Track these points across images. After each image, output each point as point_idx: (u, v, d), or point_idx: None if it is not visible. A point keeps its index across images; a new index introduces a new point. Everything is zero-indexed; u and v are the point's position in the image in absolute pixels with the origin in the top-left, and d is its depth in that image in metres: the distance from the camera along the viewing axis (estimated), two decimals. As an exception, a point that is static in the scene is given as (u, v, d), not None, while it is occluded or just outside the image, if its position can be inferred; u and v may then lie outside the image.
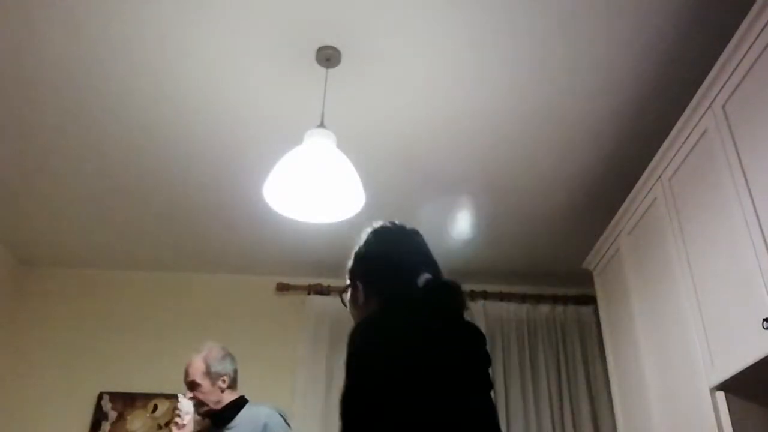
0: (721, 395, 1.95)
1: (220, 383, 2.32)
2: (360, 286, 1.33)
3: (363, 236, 1.41)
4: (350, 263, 1.40)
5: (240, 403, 2.34)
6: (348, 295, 1.37)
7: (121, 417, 3.35)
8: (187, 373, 2.34)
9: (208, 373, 2.32)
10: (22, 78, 2.36)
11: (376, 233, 1.40)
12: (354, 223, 3.11)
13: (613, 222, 2.80)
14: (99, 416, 3.35)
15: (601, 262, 3.02)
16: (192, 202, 3.13)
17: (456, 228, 3.28)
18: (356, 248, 1.40)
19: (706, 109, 2.00)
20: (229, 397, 2.33)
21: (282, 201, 2.14)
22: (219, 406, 2.30)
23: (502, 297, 3.69)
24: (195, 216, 3.25)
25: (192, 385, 2.31)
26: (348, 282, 1.38)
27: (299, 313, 3.67)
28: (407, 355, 1.06)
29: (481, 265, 3.65)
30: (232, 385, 2.37)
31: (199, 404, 2.29)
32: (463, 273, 3.68)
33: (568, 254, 3.48)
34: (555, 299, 3.70)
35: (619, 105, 2.46)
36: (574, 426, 3.34)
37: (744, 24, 1.76)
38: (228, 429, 2.26)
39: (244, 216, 3.22)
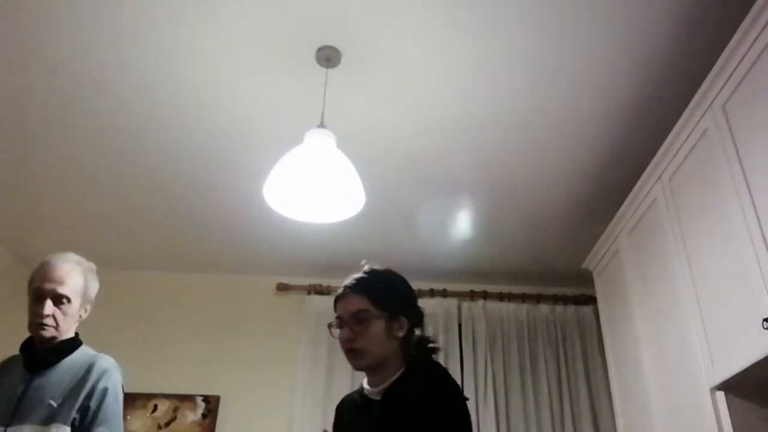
0: (721, 395, 1.95)
1: (82, 312, 1.87)
2: (406, 321, 1.42)
3: (382, 270, 1.50)
4: (387, 293, 1.45)
5: (76, 343, 1.85)
6: (376, 324, 1.40)
7: (121, 417, 3.35)
8: (60, 280, 1.76)
9: (84, 295, 1.84)
10: (22, 77, 2.36)
11: (400, 277, 1.52)
12: (354, 223, 3.14)
13: (613, 222, 2.80)
14: (99, 416, 3.35)
15: (601, 262, 3.02)
16: (192, 202, 3.13)
17: (456, 228, 3.28)
18: (388, 278, 1.49)
19: (706, 109, 2.00)
20: (72, 332, 1.85)
21: (282, 201, 2.14)
22: (58, 339, 1.78)
23: (502, 297, 3.70)
24: (195, 216, 3.25)
25: (58, 299, 1.75)
26: (374, 309, 1.41)
27: (299, 313, 3.67)
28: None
29: (481, 265, 3.65)
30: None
31: (49, 325, 1.74)
32: (463, 273, 3.69)
33: (568, 254, 3.48)
34: (555, 299, 3.70)
35: (619, 105, 2.46)
36: (574, 426, 3.34)
37: (744, 24, 1.76)
38: (44, 374, 1.74)
39: (244, 216, 3.22)
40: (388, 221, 3.25)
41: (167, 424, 3.35)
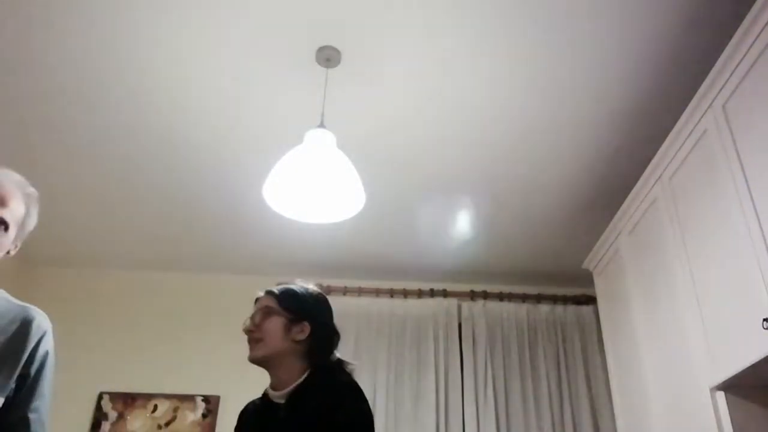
0: (721, 395, 1.95)
1: (12, 249, 1.49)
2: (308, 326, 1.51)
3: (305, 285, 1.64)
4: (294, 298, 1.57)
5: None
6: (276, 320, 1.51)
7: (121, 417, 3.35)
8: (2, 201, 1.37)
9: (21, 227, 1.46)
10: (25, 77, 2.36)
11: (320, 294, 1.65)
12: (354, 223, 3.14)
13: (613, 222, 2.80)
14: (99, 416, 3.35)
15: (601, 262, 3.02)
16: (192, 202, 3.13)
17: (456, 228, 3.28)
18: (302, 289, 1.61)
19: (706, 109, 2.00)
20: None
21: (282, 201, 2.14)
22: None
23: (502, 297, 3.70)
24: (195, 216, 3.25)
25: None
26: (279, 307, 1.53)
27: (299, 313, 3.67)
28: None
29: (481, 265, 3.65)
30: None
31: None
32: (463, 273, 3.70)
33: (568, 254, 3.48)
34: (555, 299, 3.70)
35: (619, 105, 2.46)
36: (574, 426, 3.34)
37: (744, 24, 1.76)
38: None
39: (244, 216, 3.22)
40: (388, 221, 3.25)
41: (167, 424, 3.35)
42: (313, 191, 2.13)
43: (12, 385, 1.34)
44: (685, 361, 2.17)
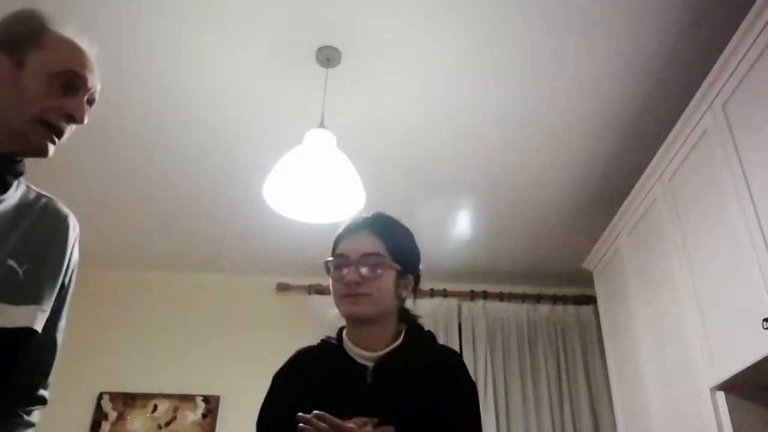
0: (721, 395, 1.95)
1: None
2: (412, 280, 1.28)
3: (393, 217, 1.33)
4: (404, 246, 1.28)
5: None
6: (389, 274, 1.22)
7: (121, 417, 3.35)
8: (94, 73, 1.13)
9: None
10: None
11: (408, 228, 1.35)
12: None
13: (613, 222, 2.80)
14: (99, 416, 3.35)
15: (601, 262, 3.02)
16: (192, 202, 3.13)
17: (456, 228, 3.28)
18: (406, 230, 1.32)
19: (706, 109, 2.00)
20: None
21: (282, 201, 2.14)
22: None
23: (502, 297, 3.69)
24: (195, 216, 3.25)
25: (92, 101, 1.16)
26: (390, 258, 1.23)
27: (299, 313, 3.66)
28: None
29: (481, 265, 3.64)
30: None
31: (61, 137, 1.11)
32: (463, 273, 3.69)
33: (568, 254, 3.47)
34: (555, 299, 3.70)
35: (619, 105, 2.46)
36: (574, 426, 3.34)
37: (744, 24, 1.76)
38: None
39: (244, 216, 3.22)
40: (388, 221, 3.24)
41: (167, 424, 3.35)
42: (313, 191, 2.13)
43: (55, 294, 1.08)
44: (685, 361, 2.17)
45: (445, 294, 3.67)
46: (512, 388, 3.43)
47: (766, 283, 1.68)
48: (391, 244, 1.24)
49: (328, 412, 1.02)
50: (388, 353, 1.21)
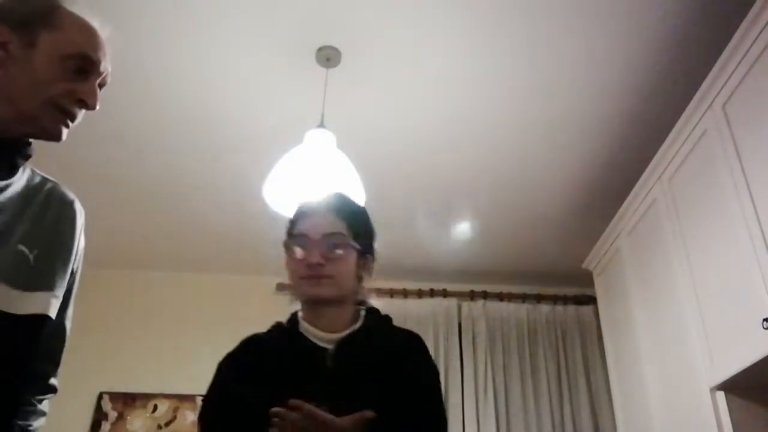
0: (721, 395, 1.95)
1: None
2: (371, 260, 1.25)
3: (359, 205, 1.31)
4: (365, 225, 1.26)
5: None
6: (351, 255, 1.19)
7: (121, 417, 3.35)
8: (107, 57, 1.09)
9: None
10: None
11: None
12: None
13: (613, 222, 2.80)
14: (99, 416, 3.34)
15: (601, 262, 3.02)
16: (191, 202, 3.13)
17: (456, 228, 3.28)
18: (362, 208, 1.29)
19: (706, 109, 2.00)
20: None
21: (282, 201, 2.14)
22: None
23: (502, 297, 3.70)
24: (195, 216, 3.25)
25: (103, 84, 1.10)
26: (351, 238, 1.20)
27: (299, 313, 3.66)
28: None
29: (481, 265, 3.64)
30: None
31: (73, 119, 1.05)
32: (463, 273, 3.69)
33: (568, 254, 3.47)
34: (555, 299, 3.70)
35: (619, 105, 2.46)
36: (574, 426, 3.34)
37: (744, 24, 1.77)
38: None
39: (244, 216, 3.22)
40: (388, 221, 3.23)
41: (167, 424, 3.35)
42: (313, 191, 2.13)
43: (66, 280, 1.06)
44: (685, 361, 2.17)
45: (445, 294, 3.67)
46: (512, 388, 3.43)
47: (766, 283, 1.68)
48: (352, 224, 1.21)
49: (285, 398, 0.98)
50: (349, 334, 1.17)
